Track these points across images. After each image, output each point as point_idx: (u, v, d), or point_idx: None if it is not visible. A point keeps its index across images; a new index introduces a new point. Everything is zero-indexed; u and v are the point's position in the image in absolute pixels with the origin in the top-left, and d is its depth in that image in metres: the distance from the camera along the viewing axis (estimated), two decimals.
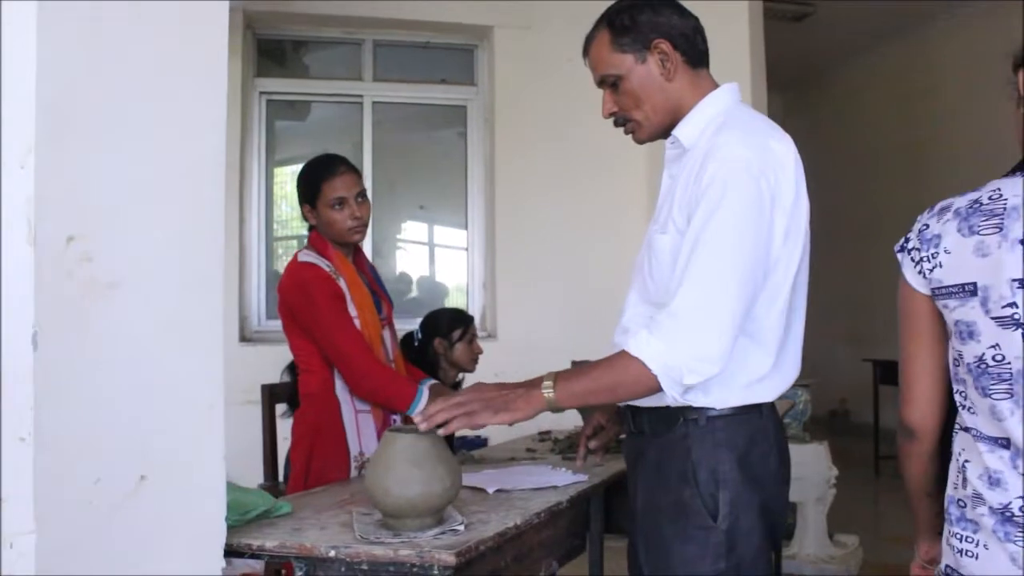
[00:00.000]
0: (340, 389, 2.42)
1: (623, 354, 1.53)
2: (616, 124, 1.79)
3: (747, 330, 1.59)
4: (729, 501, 1.58)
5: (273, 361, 4.57)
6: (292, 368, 2.64)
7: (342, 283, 2.44)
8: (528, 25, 5.07)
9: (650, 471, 1.67)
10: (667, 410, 1.62)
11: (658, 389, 1.51)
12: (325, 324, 2.37)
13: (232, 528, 1.62)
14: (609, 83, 1.73)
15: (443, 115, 5.44)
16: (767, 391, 1.64)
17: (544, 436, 2.95)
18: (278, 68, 5.16)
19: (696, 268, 1.52)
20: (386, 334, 2.55)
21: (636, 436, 1.72)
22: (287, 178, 5.44)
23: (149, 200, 1.42)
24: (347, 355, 2.35)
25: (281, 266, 5.44)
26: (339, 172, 2.47)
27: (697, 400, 1.60)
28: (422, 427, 1.55)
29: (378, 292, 2.60)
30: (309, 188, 2.50)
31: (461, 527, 1.58)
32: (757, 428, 1.63)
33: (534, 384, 1.59)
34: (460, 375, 3.23)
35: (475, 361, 3.20)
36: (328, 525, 1.69)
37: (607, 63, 1.71)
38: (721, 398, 1.60)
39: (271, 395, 3.00)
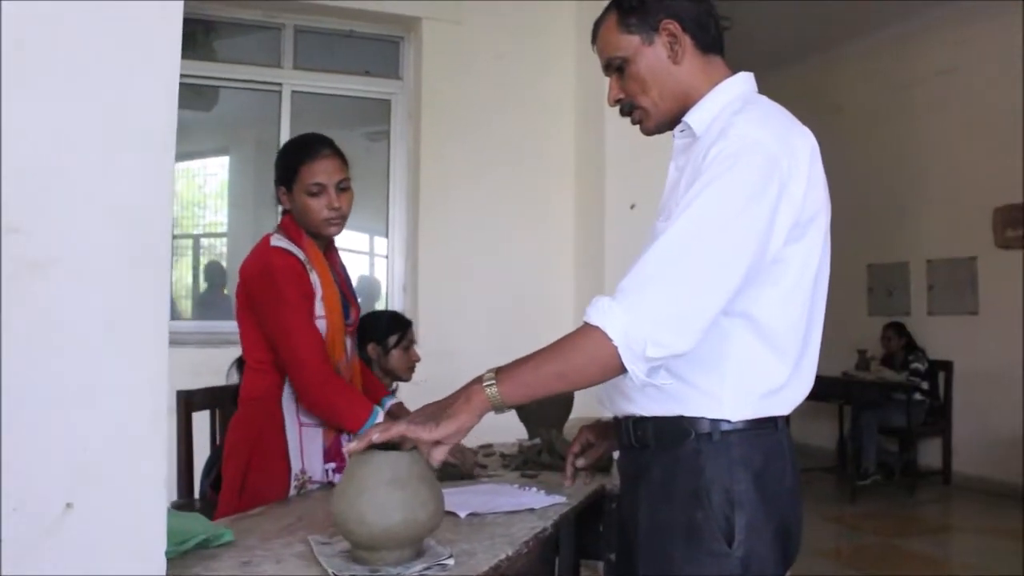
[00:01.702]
0: (287, 398, 2.16)
1: (580, 327, 1.36)
2: (622, 113, 1.63)
3: (763, 336, 1.45)
4: (745, 524, 1.43)
5: (176, 366, 4.25)
6: (242, 365, 2.34)
7: (314, 278, 2.18)
8: (457, 20, 4.87)
9: (656, 489, 1.50)
10: (676, 422, 1.46)
11: (616, 367, 1.33)
12: (286, 321, 2.10)
13: (169, 561, 1.36)
14: (615, 67, 1.60)
15: (366, 109, 5.16)
16: (783, 403, 1.49)
17: (487, 451, 2.74)
18: (187, 50, 4.78)
19: (677, 233, 1.36)
20: (348, 341, 2.30)
21: (638, 450, 1.53)
22: (179, 175, 5.09)
23: (93, 166, 1.16)
24: (302, 360, 2.08)
25: (180, 266, 5.09)
26: (321, 155, 2.21)
27: (708, 410, 1.44)
28: (351, 448, 1.35)
29: (347, 295, 2.34)
30: (286, 169, 2.23)
31: (450, 561, 1.37)
32: (773, 443, 1.48)
33: (474, 383, 1.39)
34: (394, 384, 3.01)
35: (411, 370, 2.99)
36: (283, 557, 1.45)
37: (613, 45, 1.58)
38: (735, 410, 1.45)
39: (187, 403, 2.72)
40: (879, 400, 6.60)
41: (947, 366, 6.80)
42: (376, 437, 1.33)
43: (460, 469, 2.22)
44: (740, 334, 1.45)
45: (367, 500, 1.32)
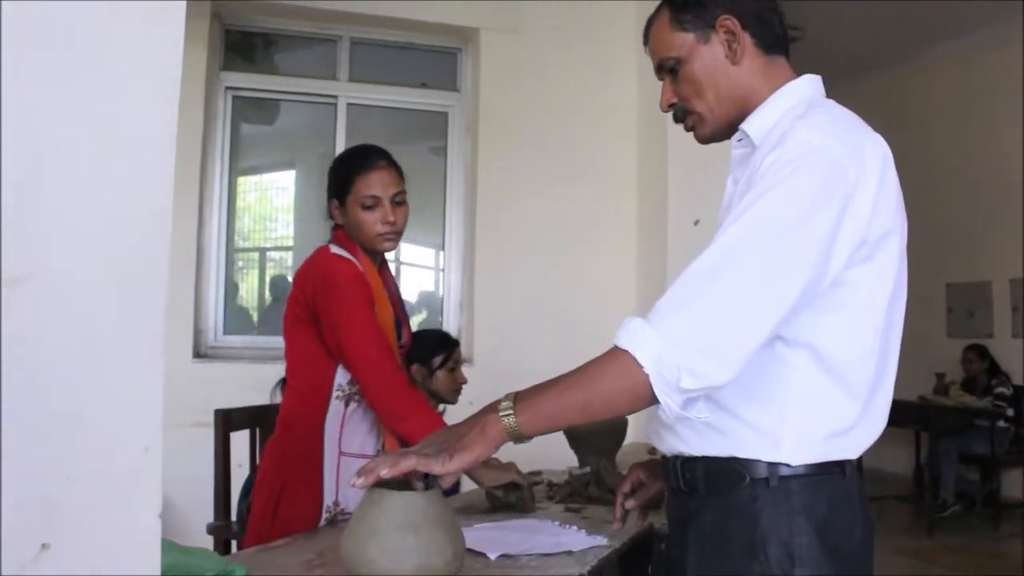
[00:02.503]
0: (330, 422, 2.05)
1: (609, 351, 1.22)
2: (676, 119, 1.49)
3: (828, 370, 1.28)
4: None
5: (229, 379, 4.22)
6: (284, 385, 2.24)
7: None
8: (515, 29, 4.75)
9: (706, 539, 1.34)
10: (728, 464, 1.31)
11: (647, 397, 1.18)
12: (360, 326, 1.98)
13: None
14: (668, 68, 1.46)
15: (423, 122, 5.07)
16: (852, 446, 1.32)
17: (535, 479, 2.59)
18: (246, 63, 4.77)
19: (722, 248, 1.21)
20: (400, 363, 2.18)
21: (686, 494, 1.38)
22: (250, 188, 5.08)
23: (76, 174, 1.06)
24: (380, 364, 1.96)
25: (241, 278, 5.07)
26: (377, 167, 2.11)
27: (765, 452, 1.28)
28: (359, 484, 1.21)
29: (400, 315, 2.22)
30: (339, 181, 2.13)
31: None
32: (840, 491, 1.31)
33: (489, 410, 1.25)
34: (440, 407, 2.89)
35: (457, 392, 2.87)
36: None
37: (666, 44, 1.44)
38: (796, 453, 1.29)
39: (226, 421, 2.64)
40: (959, 427, 6.28)
41: None
42: (385, 472, 1.20)
43: (518, 505, 2.07)
44: (802, 366, 1.29)
45: (377, 544, 1.20)
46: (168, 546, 1.25)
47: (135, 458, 1.16)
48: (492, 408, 1.26)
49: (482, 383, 3.62)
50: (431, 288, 5.24)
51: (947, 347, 7.08)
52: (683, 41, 1.42)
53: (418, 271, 5.32)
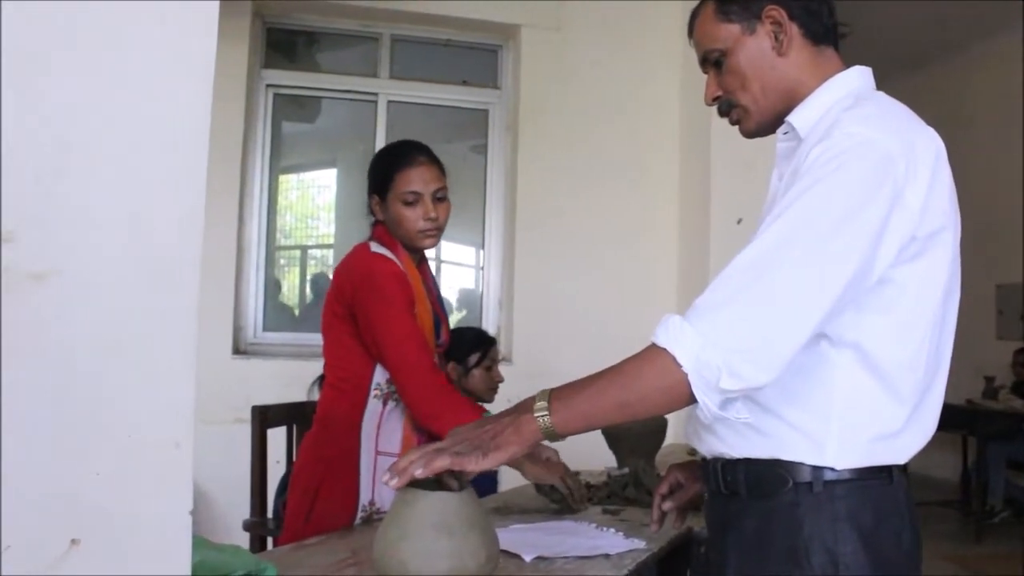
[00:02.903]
0: (367, 421, 2.03)
1: (646, 349, 1.18)
2: (720, 112, 1.45)
3: (875, 372, 1.24)
4: None
5: (268, 376, 4.24)
6: (323, 382, 2.24)
7: None
8: (557, 26, 4.72)
9: (747, 544, 1.30)
10: (771, 467, 1.27)
11: (685, 397, 1.15)
12: (395, 323, 1.97)
13: None
14: (712, 61, 1.42)
15: (463, 119, 5.06)
16: (899, 450, 1.27)
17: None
18: (287, 61, 4.79)
19: (766, 244, 1.18)
20: (438, 362, 2.16)
21: (726, 497, 1.34)
22: (291, 186, 5.11)
23: (103, 161, 1.05)
24: (416, 365, 1.95)
25: (283, 275, 5.09)
26: (418, 162, 2.10)
27: (808, 455, 1.24)
28: (392, 484, 1.18)
29: (439, 313, 2.20)
30: (380, 177, 2.12)
31: None
32: (886, 497, 1.26)
33: (524, 408, 1.22)
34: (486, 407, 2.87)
35: (494, 391, 2.84)
36: None
37: (711, 36, 1.41)
38: (841, 456, 1.24)
39: (263, 418, 2.64)
40: (1008, 431, 6.12)
41: None
42: (419, 472, 1.18)
43: (567, 501, 2.05)
44: (848, 367, 1.24)
45: (410, 547, 1.17)
46: (199, 543, 1.24)
47: (165, 454, 1.15)
48: (527, 407, 1.23)
49: (520, 382, 3.58)
50: (471, 286, 5.23)
51: (997, 349, 6.91)
52: (728, 33, 1.39)
53: (458, 269, 5.31)
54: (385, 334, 1.98)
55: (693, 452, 3.14)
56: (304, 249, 5.39)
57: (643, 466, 2.32)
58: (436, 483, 1.25)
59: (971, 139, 6.90)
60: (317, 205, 5.40)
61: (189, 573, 1.18)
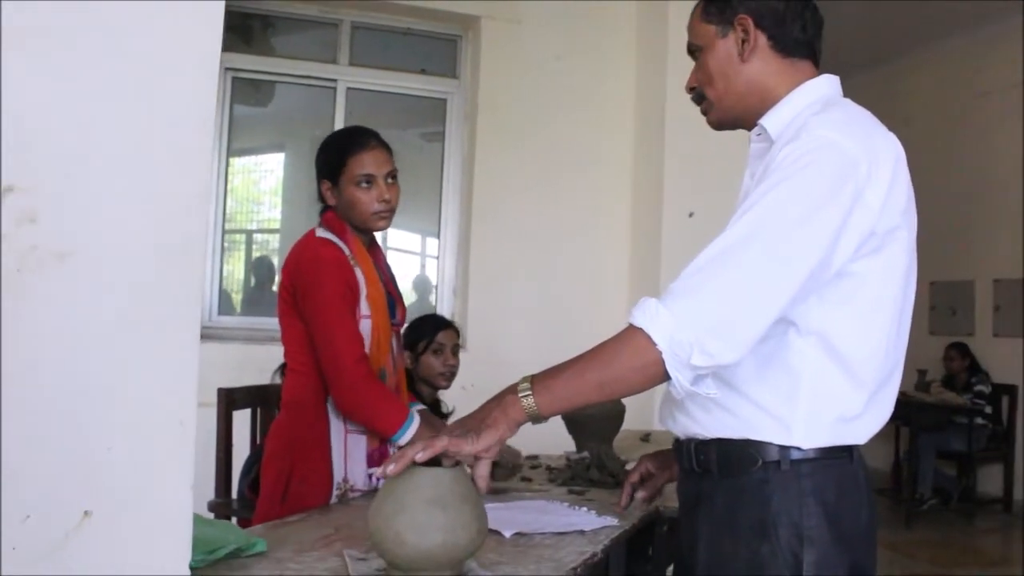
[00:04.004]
0: (332, 400, 2.08)
1: (624, 331, 1.27)
2: (694, 101, 1.55)
3: (838, 360, 1.34)
4: (815, 562, 1.31)
5: (222, 360, 4.23)
6: (284, 370, 2.27)
7: (359, 275, 2.09)
8: (517, 19, 4.78)
9: (718, 519, 1.39)
10: (741, 446, 1.35)
11: (660, 375, 1.24)
12: (327, 315, 2.02)
13: (194, 570, 1.28)
14: (692, 53, 1.52)
15: (421, 108, 5.09)
16: (859, 431, 1.37)
17: (534, 463, 2.63)
18: (244, 45, 4.76)
19: (736, 234, 1.27)
20: (394, 341, 2.21)
21: (699, 475, 1.42)
22: (237, 170, 5.06)
23: (118, 146, 1.09)
24: (339, 357, 2.00)
25: (232, 260, 5.07)
26: (370, 146, 2.14)
27: (776, 435, 1.33)
28: (389, 472, 1.24)
29: (393, 292, 2.25)
30: (332, 161, 2.15)
31: None
32: (847, 475, 1.37)
33: (508, 391, 1.30)
34: (438, 395, 2.91)
35: (446, 376, 2.85)
36: (316, 570, 1.37)
37: (694, 32, 1.52)
38: (807, 436, 1.33)
39: (228, 401, 2.66)
40: (939, 423, 6.36)
41: (1011, 390, 6.54)
42: (419, 456, 1.24)
43: (503, 466, 2.13)
44: (814, 354, 1.33)
45: (406, 520, 1.23)
46: (194, 519, 1.28)
47: (171, 431, 1.20)
48: (511, 390, 1.30)
49: (475, 368, 3.66)
50: (417, 273, 5.28)
51: (929, 344, 7.15)
52: (706, 32, 1.49)
53: (405, 257, 5.33)
54: (315, 322, 2.04)
55: (646, 437, 3.25)
56: (249, 233, 5.36)
57: (605, 450, 2.41)
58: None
59: (906, 139, 7.08)
60: (261, 189, 5.38)
61: (190, 544, 1.23)
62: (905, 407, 6.44)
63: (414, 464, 1.26)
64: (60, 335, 1.05)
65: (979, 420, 6.38)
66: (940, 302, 7.38)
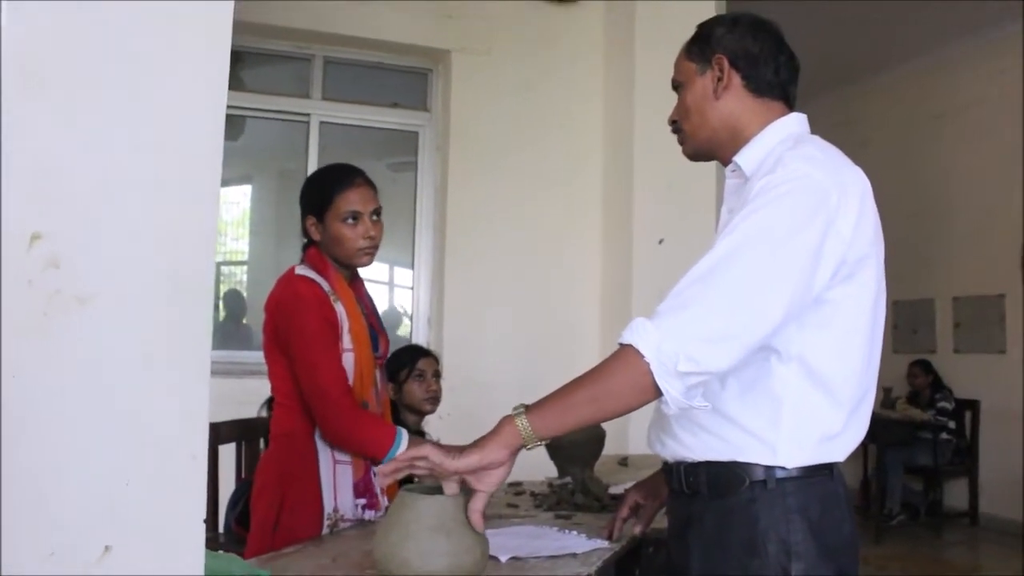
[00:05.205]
0: (321, 433, 2.12)
1: (616, 349, 1.33)
2: (674, 132, 1.65)
3: (818, 383, 1.41)
4: (802, 575, 1.38)
5: (213, 395, 4.21)
6: (271, 402, 2.31)
7: (340, 309, 2.14)
8: (487, 51, 4.86)
9: (709, 538, 1.45)
10: (729, 468, 1.43)
11: (650, 388, 1.29)
12: (310, 351, 2.06)
13: None
14: (676, 89, 1.63)
15: (393, 140, 5.16)
16: (839, 449, 1.46)
17: (518, 490, 2.68)
18: None
19: (717, 256, 1.34)
20: (378, 374, 2.26)
21: (688, 497, 1.49)
22: None
23: (135, 190, 1.13)
24: (324, 390, 2.04)
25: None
26: (356, 184, 2.19)
27: (762, 456, 1.41)
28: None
29: (375, 326, 2.30)
30: (318, 197, 2.20)
31: None
32: (829, 491, 1.44)
33: (503, 418, 1.35)
34: (424, 422, 2.96)
35: (430, 401, 2.93)
36: None
37: (677, 67, 1.63)
38: (791, 456, 1.41)
39: (215, 435, 2.68)
40: (905, 439, 6.49)
41: (974, 405, 6.70)
42: (404, 457, 1.31)
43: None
44: (795, 378, 1.41)
45: (411, 547, 1.28)
46: None
47: (184, 464, 1.23)
48: (505, 420, 1.35)
49: (454, 396, 3.71)
50: (389, 303, 5.32)
51: (893, 362, 7.29)
52: (688, 68, 1.59)
53: (380, 287, 5.37)
54: (298, 359, 2.08)
55: (623, 462, 3.31)
56: (217, 266, 5.37)
57: (588, 474, 2.46)
58: (433, 493, 1.36)
59: (865, 161, 7.25)
60: (226, 221, 5.39)
61: (203, 574, 1.27)
62: (872, 424, 6.53)
63: (418, 493, 1.31)
64: (82, 374, 1.08)
65: (944, 435, 6.52)
66: (902, 321, 7.54)
